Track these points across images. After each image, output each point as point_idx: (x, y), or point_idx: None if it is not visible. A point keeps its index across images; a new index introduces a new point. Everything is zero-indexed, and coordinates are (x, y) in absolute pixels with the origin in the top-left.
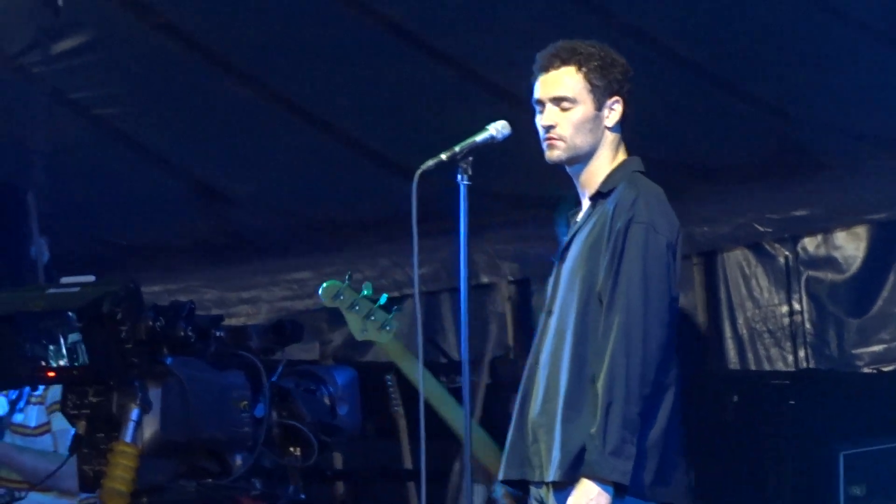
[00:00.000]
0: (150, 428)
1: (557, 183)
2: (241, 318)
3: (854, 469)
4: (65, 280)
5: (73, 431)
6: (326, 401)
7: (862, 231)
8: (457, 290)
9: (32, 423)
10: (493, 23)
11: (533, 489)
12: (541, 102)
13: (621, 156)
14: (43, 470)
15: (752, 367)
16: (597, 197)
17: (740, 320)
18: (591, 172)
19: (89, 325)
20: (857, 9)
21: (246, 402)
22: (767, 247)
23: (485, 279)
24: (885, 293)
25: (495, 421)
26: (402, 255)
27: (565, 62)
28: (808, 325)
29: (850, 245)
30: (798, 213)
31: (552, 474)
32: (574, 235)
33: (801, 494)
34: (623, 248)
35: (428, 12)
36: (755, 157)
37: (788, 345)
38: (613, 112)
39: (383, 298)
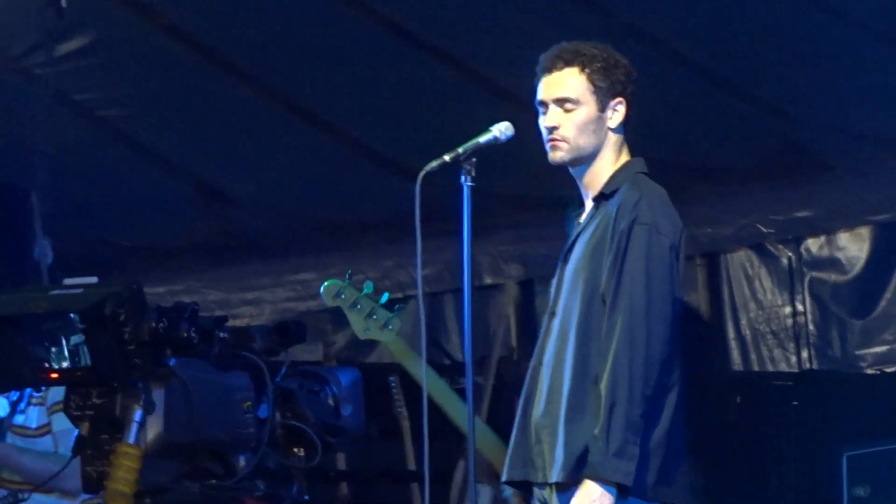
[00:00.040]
0: (153, 429)
1: (561, 184)
2: (244, 319)
3: (857, 470)
4: (67, 281)
5: (74, 432)
6: (330, 401)
7: (865, 232)
8: (460, 291)
9: (33, 425)
10: (495, 23)
11: (536, 490)
12: (544, 104)
13: (624, 157)
14: (43, 471)
15: (756, 368)
16: (600, 198)
17: (743, 321)
18: (595, 174)
19: (92, 327)
20: (858, 9)
21: (249, 403)
22: (770, 248)
23: (488, 280)
24: (888, 294)
25: (498, 421)
26: (406, 256)
27: (568, 63)
28: (811, 326)
29: (854, 246)
30: (801, 214)
31: (555, 475)
32: (577, 237)
33: (804, 495)
34: (626, 250)
35: (429, 12)
36: (758, 157)
37: (792, 346)
38: (616, 113)
39: (384, 297)
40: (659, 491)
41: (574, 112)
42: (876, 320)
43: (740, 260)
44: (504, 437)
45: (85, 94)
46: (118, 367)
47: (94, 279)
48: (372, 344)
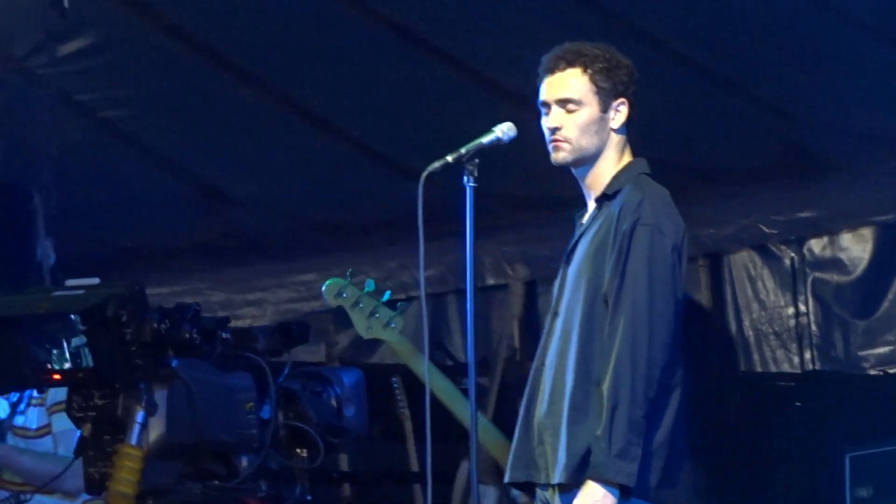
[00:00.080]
0: (155, 430)
1: (563, 185)
2: (246, 320)
3: (860, 471)
4: (69, 282)
5: (74, 432)
6: (333, 402)
7: (868, 233)
8: (463, 292)
9: (33, 426)
10: (496, 23)
11: (539, 491)
12: (546, 104)
13: (627, 158)
14: (43, 471)
15: (758, 369)
16: (602, 199)
17: (746, 322)
18: (597, 174)
19: (94, 328)
20: (859, 9)
21: (252, 404)
22: (773, 248)
23: (491, 281)
24: (891, 295)
25: (504, 422)
26: (409, 257)
27: (571, 64)
28: (814, 327)
29: (856, 247)
30: (804, 214)
31: (558, 476)
32: (580, 237)
33: (806, 496)
34: (628, 250)
35: (431, 13)
36: (760, 158)
37: (794, 346)
38: (619, 114)
39: (387, 295)
40: (661, 492)
41: (576, 113)
42: (879, 321)
43: (743, 261)
44: (509, 436)
45: (87, 94)
46: (120, 368)
47: (96, 280)
48: (374, 345)
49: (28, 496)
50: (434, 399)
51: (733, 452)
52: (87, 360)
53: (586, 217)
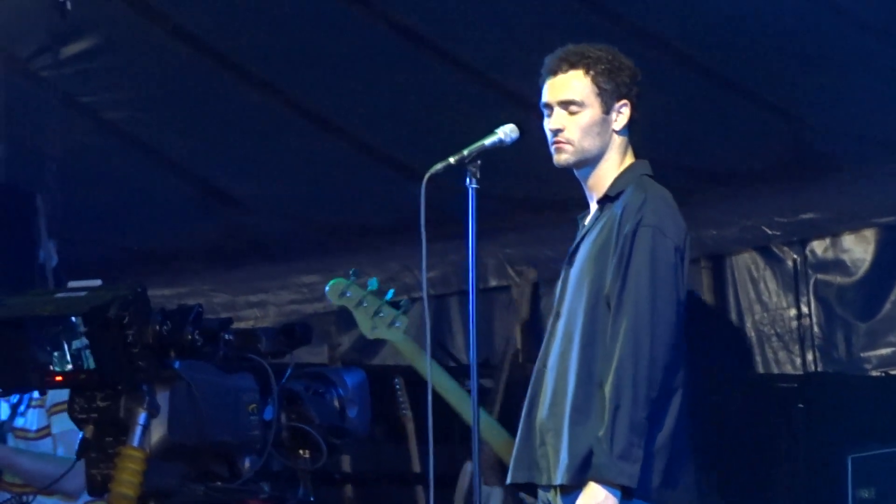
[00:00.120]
0: (158, 432)
1: (566, 186)
2: (249, 321)
3: (862, 472)
4: (72, 284)
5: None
6: (336, 403)
7: (870, 234)
8: (465, 293)
9: (33, 427)
10: (500, 25)
11: (541, 492)
12: (549, 106)
13: (629, 159)
14: (41, 472)
15: (760, 371)
16: (605, 200)
17: (748, 323)
18: (599, 176)
19: (96, 330)
20: (866, 12)
21: (255, 405)
22: (775, 250)
23: (493, 283)
24: (892, 296)
25: (510, 424)
26: (412, 258)
27: (573, 66)
28: (816, 329)
29: (858, 248)
30: (806, 216)
31: (560, 477)
32: (582, 239)
33: (808, 497)
34: (631, 252)
35: (436, 15)
36: (763, 159)
37: (796, 348)
38: (621, 115)
39: (390, 294)
40: (663, 493)
41: (579, 114)
42: (881, 322)
43: (745, 262)
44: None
45: (90, 96)
46: (122, 369)
47: (98, 282)
48: (377, 346)
49: (30, 498)
50: (439, 399)
51: (735, 453)
52: (89, 363)
53: (588, 218)
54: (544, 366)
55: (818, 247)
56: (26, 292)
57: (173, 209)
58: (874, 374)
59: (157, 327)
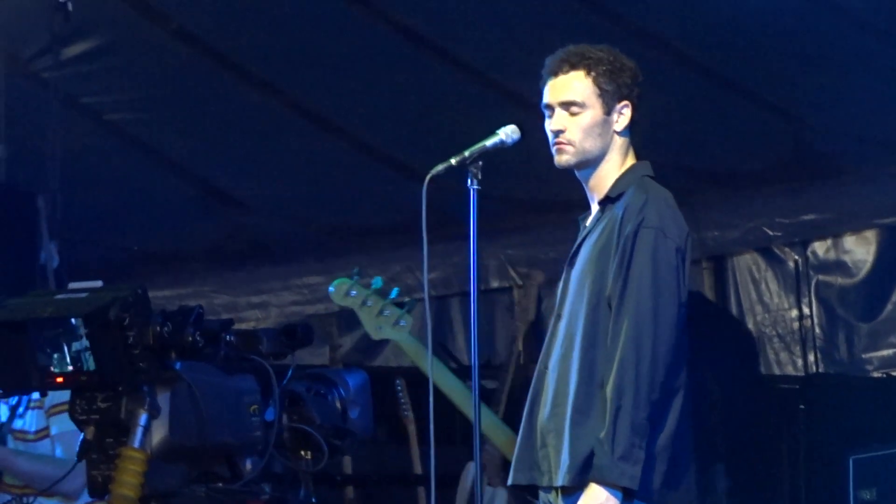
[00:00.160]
0: (158, 433)
1: (567, 187)
2: (250, 322)
3: (864, 473)
4: (73, 285)
5: (72, 434)
6: (337, 404)
7: (871, 235)
8: (467, 294)
9: (32, 429)
10: (501, 26)
11: (542, 494)
12: (550, 107)
13: (630, 160)
14: (39, 473)
15: (762, 372)
16: (606, 201)
17: (750, 324)
18: (601, 177)
19: (97, 331)
20: (866, 12)
21: (256, 406)
22: (777, 251)
23: (495, 284)
24: (894, 297)
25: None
26: (413, 259)
27: (574, 67)
28: (817, 330)
29: (860, 249)
30: (807, 217)
31: (561, 479)
32: (583, 240)
33: (810, 498)
34: (632, 253)
35: (438, 16)
36: (764, 160)
37: (798, 349)
38: (622, 116)
39: (394, 292)
40: (664, 494)
41: (580, 115)
42: (882, 323)
43: (747, 263)
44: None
45: (92, 97)
46: (123, 371)
47: (98, 283)
48: (378, 347)
49: (31, 499)
50: (440, 400)
51: (737, 454)
52: (88, 364)
53: (590, 220)
54: (545, 367)
55: (819, 248)
56: (27, 293)
57: (174, 210)
58: (875, 375)
59: (158, 328)
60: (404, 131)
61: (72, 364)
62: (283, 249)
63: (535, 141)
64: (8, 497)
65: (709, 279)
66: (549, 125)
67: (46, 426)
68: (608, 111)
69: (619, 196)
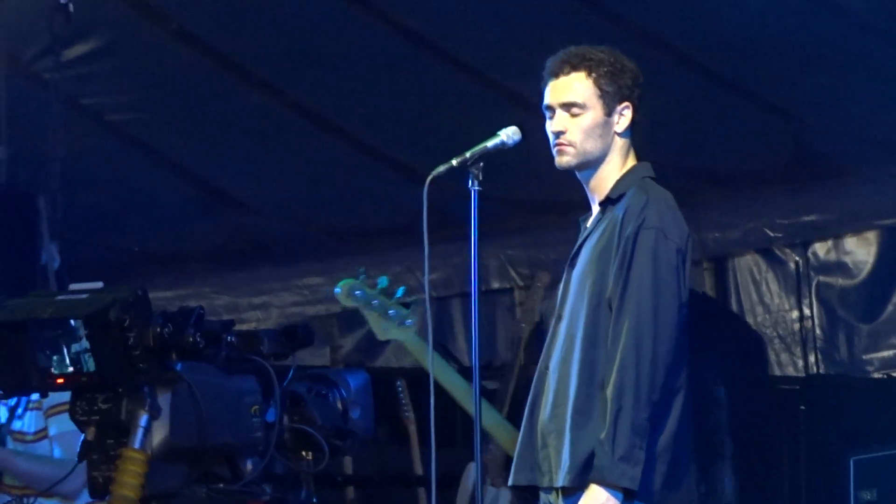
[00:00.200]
0: (159, 434)
1: (568, 188)
2: (251, 323)
3: (864, 474)
4: (73, 286)
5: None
6: (339, 405)
7: (872, 236)
8: (468, 295)
9: (31, 430)
10: (504, 27)
11: (542, 494)
12: (550, 108)
13: (631, 161)
14: (38, 474)
15: (762, 372)
16: (606, 202)
17: (751, 325)
18: (601, 178)
19: (97, 332)
20: (866, 12)
21: (257, 407)
22: (778, 252)
23: (495, 285)
24: (894, 298)
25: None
26: (414, 260)
27: (575, 68)
28: (818, 331)
29: (861, 250)
30: (808, 218)
31: (561, 479)
32: (584, 241)
33: (811, 499)
34: (633, 254)
35: (438, 16)
36: (765, 161)
37: (798, 350)
38: (623, 118)
39: (400, 291)
40: (665, 495)
41: (581, 117)
42: (883, 324)
43: (747, 264)
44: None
45: (93, 98)
46: (123, 372)
47: (99, 284)
48: (379, 348)
49: (31, 500)
50: (441, 401)
51: (737, 455)
52: (88, 366)
53: (590, 221)
54: (546, 368)
55: (820, 249)
56: (27, 294)
57: (175, 211)
58: (876, 376)
59: (158, 329)
60: (404, 131)
61: (72, 365)
62: (283, 250)
63: (536, 142)
64: (8, 498)
65: (709, 280)
66: (550, 126)
67: (45, 427)
68: (609, 112)
69: (620, 197)
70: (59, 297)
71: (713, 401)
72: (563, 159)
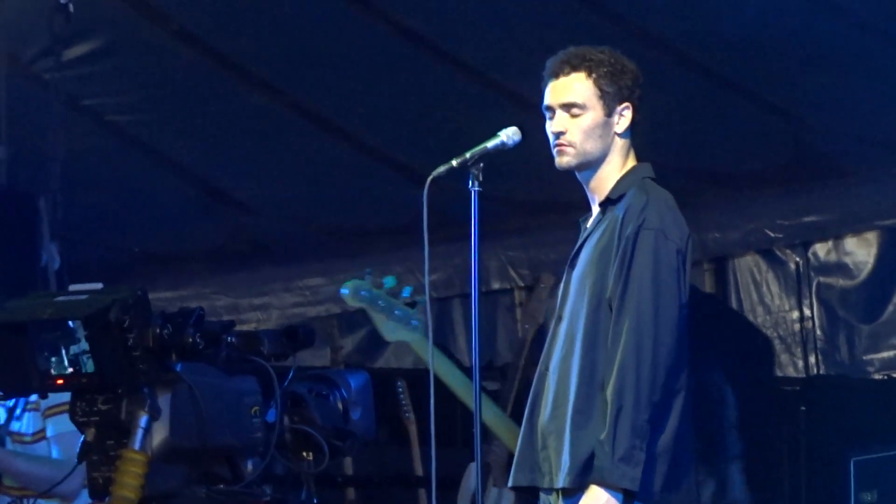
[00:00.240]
0: (159, 434)
1: (569, 189)
2: (251, 324)
3: (865, 475)
4: (73, 287)
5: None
6: (339, 405)
7: (872, 237)
8: (468, 296)
9: (29, 431)
10: (504, 27)
11: (543, 495)
12: (551, 109)
13: (631, 162)
14: (37, 474)
15: (763, 373)
16: (606, 203)
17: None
18: (601, 179)
19: (97, 333)
20: (866, 12)
21: (257, 408)
22: (778, 253)
23: (496, 285)
24: (895, 299)
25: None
26: (415, 261)
27: (575, 68)
28: (818, 331)
29: (861, 251)
30: (809, 218)
31: (561, 480)
32: (584, 242)
33: (811, 500)
34: (633, 255)
35: (438, 16)
36: (766, 162)
37: (799, 351)
38: (623, 118)
39: (407, 291)
40: (665, 496)
41: (581, 117)
42: (883, 325)
43: (748, 265)
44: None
45: (94, 98)
46: (123, 372)
47: (99, 285)
48: (379, 348)
49: (30, 501)
50: (442, 402)
51: (738, 456)
52: (87, 367)
53: (590, 221)
54: (546, 368)
55: (820, 249)
56: (27, 295)
57: (175, 211)
58: (876, 376)
59: (158, 330)
60: (404, 131)
61: (71, 366)
62: (283, 250)
63: (536, 142)
64: (8, 499)
65: (710, 281)
66: (550, 127)
67: (43, 428)
68: (609, 113)
69: (620, 198)
70: (59, 298)
71: (721, 401)
72: (564, 160)
